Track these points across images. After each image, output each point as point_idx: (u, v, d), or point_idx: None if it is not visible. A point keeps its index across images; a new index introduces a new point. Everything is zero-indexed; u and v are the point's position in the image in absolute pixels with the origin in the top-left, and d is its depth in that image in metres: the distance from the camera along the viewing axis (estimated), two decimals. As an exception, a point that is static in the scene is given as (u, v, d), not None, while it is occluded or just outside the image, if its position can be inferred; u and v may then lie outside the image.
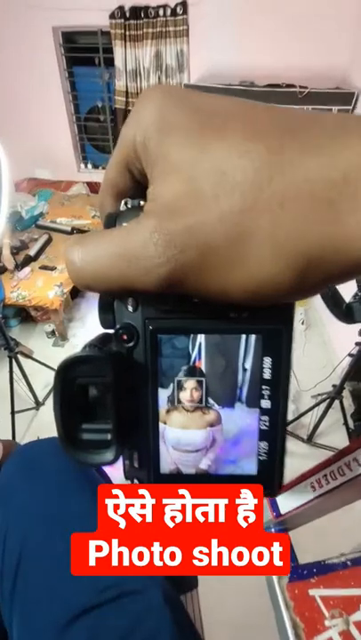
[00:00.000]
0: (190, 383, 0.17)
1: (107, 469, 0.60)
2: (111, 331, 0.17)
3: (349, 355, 1.53)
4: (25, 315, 2.56)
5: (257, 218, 0.11)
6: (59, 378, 0.16)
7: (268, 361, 0.17)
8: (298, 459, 1.80)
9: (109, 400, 0.16)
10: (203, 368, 0.17)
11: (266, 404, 0.18)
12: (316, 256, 0.11)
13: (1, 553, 0.49)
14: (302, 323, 2.63)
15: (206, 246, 0.12)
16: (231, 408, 0.18)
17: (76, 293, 2.68)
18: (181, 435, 0.19)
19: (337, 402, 1.70)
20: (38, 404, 1.98)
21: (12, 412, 1.79)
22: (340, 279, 0.12)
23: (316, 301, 2.77)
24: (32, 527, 0.49)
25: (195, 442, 0.19)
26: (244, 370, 0.17)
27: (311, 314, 2.77)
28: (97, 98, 3.04)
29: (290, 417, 1.89)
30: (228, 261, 0.12)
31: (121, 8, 2.52)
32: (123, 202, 0.16)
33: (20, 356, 1.78)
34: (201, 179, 0.12)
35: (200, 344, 0.17)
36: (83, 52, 2.86)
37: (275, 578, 0.35)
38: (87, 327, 2.47)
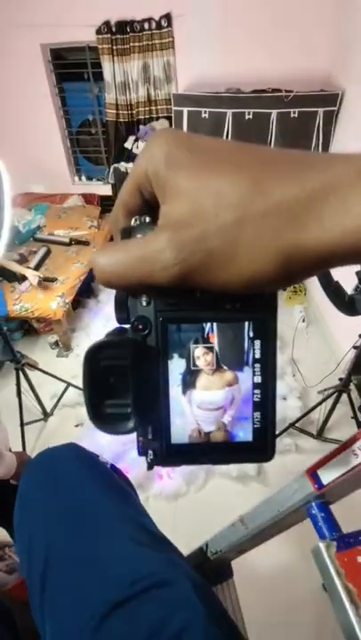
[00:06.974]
0: (200, 350, 0.21)
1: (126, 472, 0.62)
2: (126, 326, 0.21)
3: (354, 347, 1.55)
4: (27, 327, 2.56)
5: (246, 228, 0.15)
6: (87, 361, 0.19)
7: (257, 343, 0.21)
8: (308, 455, 1.80)
9: (128, 379, 0.19)
10: (215, 339, 0.21)
11: (258, 379, 0.22)
12: (292, 253, 0.15)
13: (27, 560, 0.49)
14: (303, 320, 2.66)
15: (210, 250, 0.16)
16: (241, 371, 0.22)
17: (77, 304, 2.69)
18: (205, 395, 0.22)
19: (344, 395, 1.71)
20: (46, 415, 1.97)
21: (22, 424, 1.78)
22: (315, 270, 0.16)
23: (316, 298, 2.80)
24: (56, 531, 0.49)
25: (217, 400, 0.22)
26: (250, 338, 0.21)
27: (311, 311, 2.80)
28: (88, 112, 3.10)
29: (298, 414, 1.89)
30: (226, 260, 0.16)
31: (107, 23, 2.58)
32: (133, 219, 0.20)
33: (26, 368, 1.78)
34: (203, 201, 0.16)
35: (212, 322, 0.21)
36: (72, 68, 2.92)
37: (322, 548, 0.36)
38: (91, 337, 2.48)
